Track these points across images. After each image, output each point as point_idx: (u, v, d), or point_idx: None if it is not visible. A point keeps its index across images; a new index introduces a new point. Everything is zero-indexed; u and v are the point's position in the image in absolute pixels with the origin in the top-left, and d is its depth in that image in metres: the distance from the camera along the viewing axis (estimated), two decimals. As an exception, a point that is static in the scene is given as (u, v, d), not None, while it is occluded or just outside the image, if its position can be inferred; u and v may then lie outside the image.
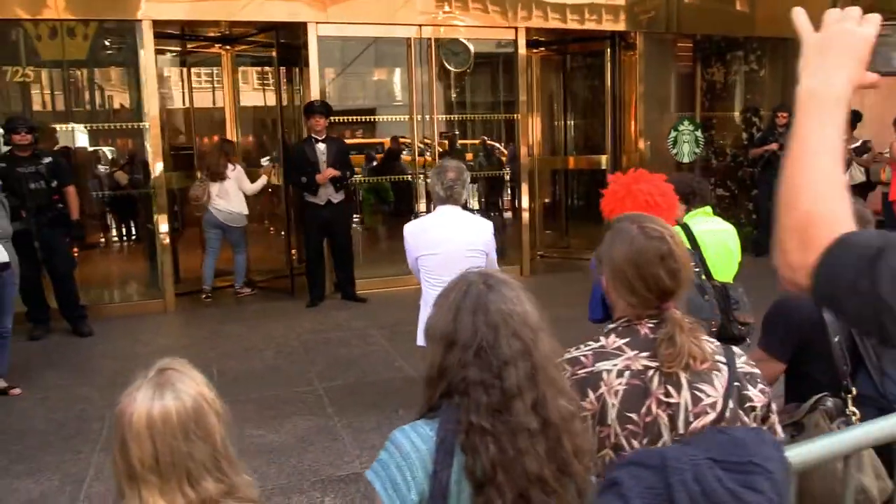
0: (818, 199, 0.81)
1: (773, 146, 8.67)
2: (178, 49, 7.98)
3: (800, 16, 0.94)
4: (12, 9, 6.43)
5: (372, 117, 9.68)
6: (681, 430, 1.57)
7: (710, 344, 1.68)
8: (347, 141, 8.39)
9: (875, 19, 0.89)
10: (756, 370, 1.68)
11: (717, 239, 4.01)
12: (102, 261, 8.60)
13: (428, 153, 7.86)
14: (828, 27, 0.91)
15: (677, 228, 4.04)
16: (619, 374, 1.61)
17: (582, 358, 1.66)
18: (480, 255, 4.16)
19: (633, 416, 1.59)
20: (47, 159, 6.14)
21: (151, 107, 6.76)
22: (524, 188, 8.04)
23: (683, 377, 1.60)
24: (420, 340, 4.30)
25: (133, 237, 9.03)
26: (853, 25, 0.89)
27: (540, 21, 7.90)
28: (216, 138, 8.41)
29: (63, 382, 5.19)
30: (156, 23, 6.68)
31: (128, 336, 6.26)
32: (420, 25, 7.47)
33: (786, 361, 2.14)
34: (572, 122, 9.73)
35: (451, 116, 9.30)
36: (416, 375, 4.66)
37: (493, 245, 4.24)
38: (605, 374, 1.62)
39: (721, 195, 10.36)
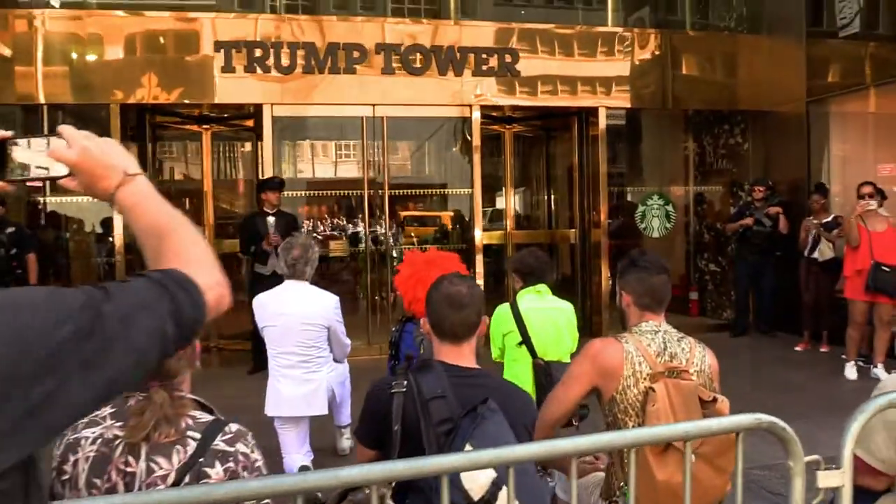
0: None
1: (748, 221, 8.50)
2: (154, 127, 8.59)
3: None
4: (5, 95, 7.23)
5: (327, 192, 10.07)
6: None
7: (197, 420, 1.76)
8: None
9: None
10: (238, 449, 1.74)
11: (544, 317, 4.02)
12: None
13: (380, 227, 8.12)
14: None
15: (506, 305, 4.09)
16: (94, 441, 1.73)
17: (79, 425, 1.78)
18: (318, 329, 4.31)
19: (98, 481, 1.69)
20: (10, 229, 6.71)
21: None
22: (478, 259, 8.11)
23: (144, 448, 1.69)
24: (267, 410, 4.44)
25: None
26: None
27: (496, 98, 8.13)
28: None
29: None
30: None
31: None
32: (373, 105, 7.82)
33: (373, 448, 2.12)
34: (549, 198, 9.82)
35: (404, 191, 9.59)
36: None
37: (336, 317, 4.37)
38: (83, 441, 1.74)
39: (713, 271, 10.15)
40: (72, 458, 1.73)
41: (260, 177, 7.63)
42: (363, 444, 2.12)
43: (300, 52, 7.52)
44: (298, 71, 7.52)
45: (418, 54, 7.80)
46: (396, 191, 9.04)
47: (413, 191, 9.97)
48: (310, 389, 4.28)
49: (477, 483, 1.85)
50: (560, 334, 3.99)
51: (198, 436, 1.73)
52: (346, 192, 9.59)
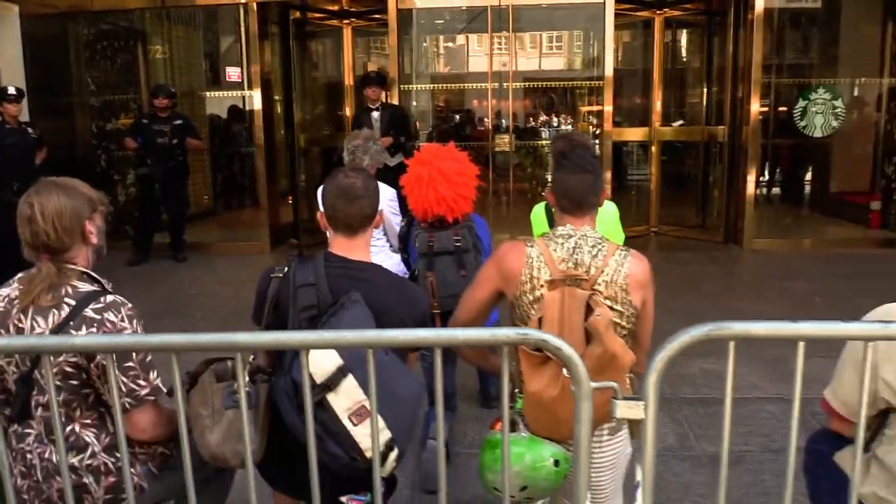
0: None
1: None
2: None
3: None
4: None
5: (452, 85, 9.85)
6: None
7: (77, 290, 2.00)
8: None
9: None
10: (105, 317, 1.96)
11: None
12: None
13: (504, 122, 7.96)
14: None
15: (541, 205, 3.95)
16: (2, 298, 2.05)
17: (3, 285, 2.11)
18: (368, 217, 4.45)
19: (2, 331, 2.02)
20: (177, 121, 7.51)
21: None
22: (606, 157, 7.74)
23: (31, 310, 1.98)
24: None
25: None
26: None
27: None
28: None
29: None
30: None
31: (216, 267, 7.52)
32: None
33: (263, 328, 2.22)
34: (704, 91, 8.99)
35: (530, 84, 9.14)
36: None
37: (390, 209, 4.48)
38: (-10, 300, 2.06)
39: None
40: None
41: (390, 70, 7.76)
42: (255, 324, 2.26)
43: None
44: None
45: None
46: (524, 83, 8.74)
47: (541, 84, 9.57)
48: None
49: (320, 367, 1.92)
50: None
51: (73, 303, 1.98)
52: (471, 85, 9.45)
